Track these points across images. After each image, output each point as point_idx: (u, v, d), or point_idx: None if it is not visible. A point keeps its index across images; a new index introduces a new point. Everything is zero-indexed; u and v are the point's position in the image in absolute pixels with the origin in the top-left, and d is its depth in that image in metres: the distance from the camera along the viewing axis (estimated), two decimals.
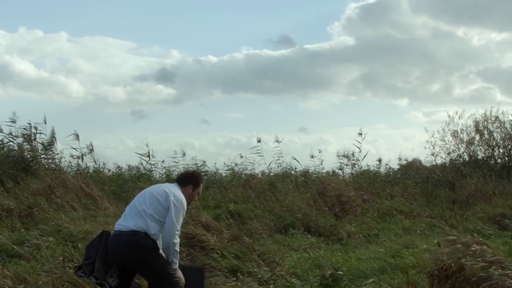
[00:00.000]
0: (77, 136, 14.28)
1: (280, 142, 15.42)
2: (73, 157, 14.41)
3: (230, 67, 37.37)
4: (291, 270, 6.72)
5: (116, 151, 26.73)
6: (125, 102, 36.58)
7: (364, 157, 15.92)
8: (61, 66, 38.12)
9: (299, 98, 39.48)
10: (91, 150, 14.47)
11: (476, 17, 33.57)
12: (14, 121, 13.72)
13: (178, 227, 4.41)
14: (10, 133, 13.71)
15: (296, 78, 36.25)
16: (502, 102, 34.16)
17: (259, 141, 15.31)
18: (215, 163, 16.25)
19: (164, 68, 37.37)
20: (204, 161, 15.93)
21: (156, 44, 42.92)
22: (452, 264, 4.62)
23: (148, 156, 14.87)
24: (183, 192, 4.63)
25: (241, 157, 16.01)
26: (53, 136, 13.98)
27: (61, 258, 6.49)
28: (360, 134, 15.61)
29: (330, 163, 17.11)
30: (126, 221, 4.44)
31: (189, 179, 4.76)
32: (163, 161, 15.31)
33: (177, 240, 4.41)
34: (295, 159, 15.82)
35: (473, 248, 4.74)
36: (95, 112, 35.29)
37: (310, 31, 42.02)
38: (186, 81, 37.08)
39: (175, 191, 4.55)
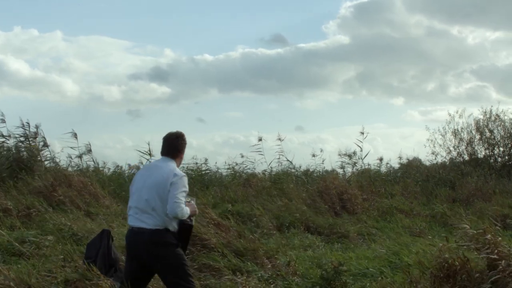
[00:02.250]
0: (75, 135, 14.28)
1: (282, 140, 15.37)
2: (71, 157, 14.43)
3: (226, 66, 37.33)
4: (291, 269, 6.70)
5: (114, 151, 26.70)
6: (121, 101, 36.48)
7: (366, 156, 15.94)
8: (56, 65, 38.06)
9: (295, 97, 39.46)
10: (89, 150, 14.47)
11: (471, 16, 33.63)
12: (4, 121, 13.74)
13: (180, 199, 4.29)
14: (2, 134, 13.70)
15: (292, 77, 36.26)
16: (497, 101, 34.39)
17: (260, 139, 15.22)
18: (216, 162, 16.21)
19: (160, 67, 37.30)
20: (206, 159, 15.89)
21: (152, 43, 42.83)
22: (457, 262, 4.60)
23: (150, 154, 14.84)
24: (176, 162, 4.51)
25: (242, 156, 15.96)
26: (40, 135, 13.99)
27: (62, 256, 6.48)
28: (362, 133, 15.60)
29: (328, 162, 17.04)
30: (144, 220, 4.35)
31: (179, 147, 4.56)
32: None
33: (181, 211, 4.28)
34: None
35: (487, 237, 4.69)
36: (91, 111, 35.21)
37: (305, 30, 41.98)
38: (182, 80, 37.05)
39: (174, 171, 4.39)
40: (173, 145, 4.57)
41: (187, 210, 4.35)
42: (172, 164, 4.48)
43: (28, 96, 36.61)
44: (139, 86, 36.77)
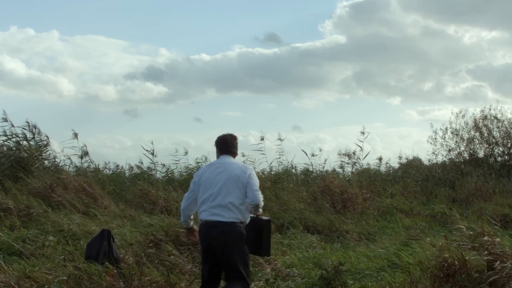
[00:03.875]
0: (75, 135, 14.28)
1: (283, 140, 15.39)
2: (70, 158, 14.44)
3: (223, 65, 37.30)
4: (291, 269, 6.71)
5: (113, 150, 26.80)
6: (117, 101, 36.56)
7: (366, 155, 15.95)
8: (52, 65, 38.11)
9: (293, 97, 39.47)
10: (86, 153, 14.45)
11: (466, 15, 33.61)
12: (6, 120, 13.71)
13: (259, 189, 4.69)
14: (4, 132, 13.68)
15: (289, 76, 36.32)
16: (494, 100, 34.43)
17: (262, 139, 15.27)
18: None
19: (157, 66, 37.37)
20: (206, 158, 15.91)
21: (148, 42, 42.82)
22: (456, 262, 4.60)
23: (153, 154, 14.87)
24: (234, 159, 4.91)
25: (244, 155, 15.98)
26: (42, 134, 13.98)
27: (62, 257, 6.47)
28: (363, 133, 15.60)
29: (327, 161, 17.04)
30: (220, 214, 4.57)
31: (236, 146, 4.99)
32: (163, 165, 15.30)
33: (262, 198, 4.69)
34: (303, 151, 15.77)
35: (484, 239, 4.70)
36: (87, 111, 35.28)
37: (302, 30, 41.97)
38: (179, 79, 37.08)
39: (246, 165, 4.81)
40: (232, 144, 4.96)
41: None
42: (234, 161, 4.89)
43: (24, 95, 36.64)
44: (135, 86, 36.88)
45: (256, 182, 4.69)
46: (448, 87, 36.16)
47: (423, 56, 34.34)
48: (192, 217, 4.96)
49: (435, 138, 17.70)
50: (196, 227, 4.95)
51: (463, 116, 17.60)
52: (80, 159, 14.45)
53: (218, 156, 4.94)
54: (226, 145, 4.91)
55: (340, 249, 8.57)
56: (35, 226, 8.75)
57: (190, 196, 4.85)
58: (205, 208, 4.66)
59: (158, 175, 15.01)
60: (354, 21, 36.33)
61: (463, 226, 5.12)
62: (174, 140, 36.47)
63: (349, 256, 7.67)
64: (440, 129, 17.90)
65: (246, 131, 32.99)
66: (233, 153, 4.92)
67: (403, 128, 37.12)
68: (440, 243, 5.19)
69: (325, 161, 15.98)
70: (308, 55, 36.46)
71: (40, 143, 13.84)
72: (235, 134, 5.12)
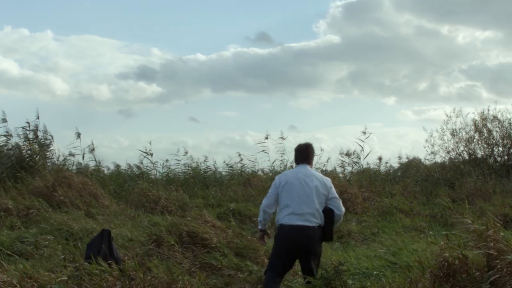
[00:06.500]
0: (78, 135, 14.33)
1: (285, 139, 15.42)
2: (74, 155, 14.47)
3: (218, 65, 37.28)
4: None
5: (111, 150, 26.83)
6: (111, 101, 36.55)
7: (367, 155, 15.96)
8: (46, 64, 38.10)
9: (289, 97, 39.42)
10: (93, 150, 14.53)
11: (460, 15, 33.61)
12: (5, 120, 13.73)
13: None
14: (6, 132, 13.69)
15: (285, 76, 36.27)
16: (488, 100, 34.47)
17: (266, 137, 15.35)
18: (215, 161, 16.26)
19: (150, 66, 37.35)
20: (206, 157, 15.96)
21: (144, 42, 42.74)
22: (456, 261, 4.60)
23: (151, 154, 14.92)
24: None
25: (239, 155, 16.04)
26: (45, 133, 14.02)
27: (62, 256, 6.48)
28: (364, 132, 15.61)
29: (326, 161, 17.02)
30: (308, 219, 5.07)
31: (313, 155, 5.47)
32: (167, 160, 15.35)
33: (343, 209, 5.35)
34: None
35: (489, 233, 4.73)
36: (83, 111, 35.22)
37: (296, 30, 41.85)
38: (174, 79, 37.06)
39: (326, 177, 5.30)
40: (310, 153, 5.43)
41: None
42: (313, 170, 5.37)
43: (19, 95, 36.63)
44: (129, 86, 36.88)
45: (337, 195, 5.30)
46: (442, 87, 36.17)
47: (417, 56, 34.35)
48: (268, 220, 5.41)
49: (433, 144, 17.64)
50: (269, 231, 5.52)
51: (457, 116, 17.57)
52: (82, 158, 14.54)
53: (296, 163, 5.41)
54: (303, 154, 5.38)
55: (340, 249, 8.59)
56: (35, 226, 8.77)
57: (272, 197, 5.24)
58: (291, 212, 5.10)
59: (158, 175, 15.04)
60: (348, 21, 36.40)
61: (469, 221, 5.17)
62: (173, 140, 36.48)
63: (349, 256, 7.69)
64: (437, 131, 17.86)
65: (244, 131, 33.03)
66: (310, 162, 5.38)
67: (401, 128, 37.15)
68: (442, 242, 5.20)
69: (327, 160, 16.05)
70: (303, 55, 36.51)
71: (43, 142, 13.88)
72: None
